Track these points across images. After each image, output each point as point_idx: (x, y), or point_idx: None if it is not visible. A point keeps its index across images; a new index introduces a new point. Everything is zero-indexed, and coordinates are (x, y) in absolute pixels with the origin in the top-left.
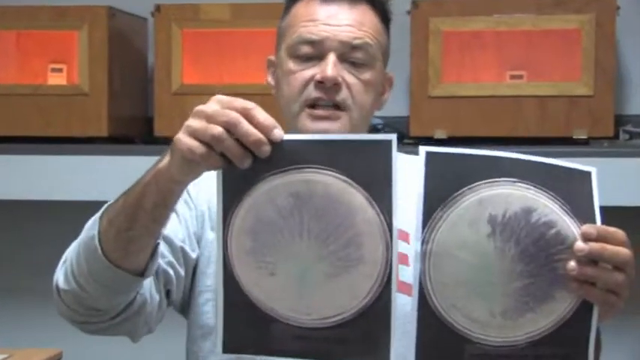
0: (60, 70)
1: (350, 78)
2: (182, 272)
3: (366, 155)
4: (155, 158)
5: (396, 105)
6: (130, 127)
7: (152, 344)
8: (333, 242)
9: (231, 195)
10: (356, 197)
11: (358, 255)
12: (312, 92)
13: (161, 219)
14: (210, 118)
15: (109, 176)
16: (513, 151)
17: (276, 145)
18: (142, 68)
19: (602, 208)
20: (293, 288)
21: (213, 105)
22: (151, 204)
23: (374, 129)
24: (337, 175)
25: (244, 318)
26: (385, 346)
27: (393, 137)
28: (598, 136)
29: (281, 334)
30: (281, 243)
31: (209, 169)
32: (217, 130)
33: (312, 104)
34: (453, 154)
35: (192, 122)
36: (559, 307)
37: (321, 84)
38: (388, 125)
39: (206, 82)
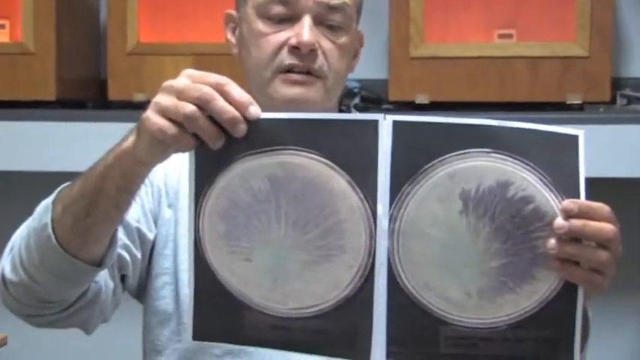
0: (2, 27)
1: (326, 43)
2: (138, 255)
3: (350, 136)
4: (108, 125)
5: (373, 67)
6: (81, 90)
7: (105, 332)
8: (312, 230)
9: (204, 176)
10: (338, 182)
11: (339, 244)
12: (286, 58)
13: (124, 205)
14: (180, 94)
15: (57, 144)
16: (502, 118)
17: (252, 124)
18: (94, 25)
19: (598, 180)
20: (269, 275)
21: (184, 79)
22: (114, 188)
23: (349, 93)
24: (318, 157)
25: (216, 305)
26: (366, 340)
27: (379, 117)
28: (593, 100)
29: (255, 323)
30: (257, 228)
31: (180, 150)
32: (189, 108)
33: (286, 70)
34: (422, 122)
35: (162, 99)
36: (541, 288)
37: (296, 50)
38: (365, 89)
39: (165, 40)
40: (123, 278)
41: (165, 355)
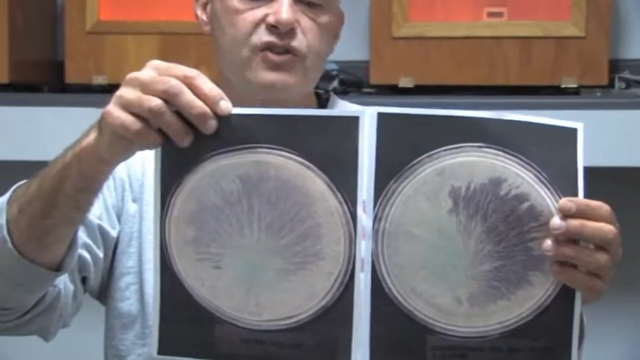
0: None
1: (306, 22)
2: (100, 254)
3: (329, 134)
4: (66, 110)
5: (354, 48)
6: (36, 73)
7: (63, 337)
8: (287, 234)
9: (171, 176)
10: (315, 183)
11: (316, 249)
12: (264, 36)
13: (85, 205)
14: (146, 87)
15: (10, 131)
16: (491, 103)
17: (223, 120)
18: (50, 2)
19: (595, 169)
20: (241, 284)
21: (149, 71)
22: (73, 188)
23: (327, 76)
24: (293, 156)
25: (184, 317)
26: (345, 354)
27: (360, 113)
28: (590, 84)
29: (226, 337)
30: (227, 232)
31: (145, 147)
32: (155, 102)
33: (263, 49)
34: (409, 114)
35: (125, 92)
36: (536, 294)
37: (274, 28)
38: (344, 71)
39: (127, 18)
40: (84, 280)
41: None
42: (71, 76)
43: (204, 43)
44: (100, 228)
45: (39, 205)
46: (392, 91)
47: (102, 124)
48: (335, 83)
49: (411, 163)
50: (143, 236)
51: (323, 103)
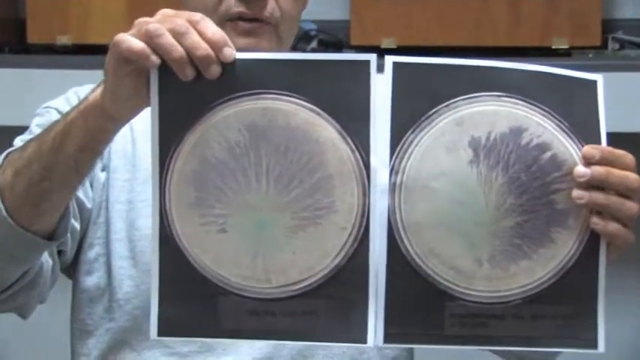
0: None
1: None
2: (77, 226)
3: (339, 79)
4: (27, 72)
5: (333, 6)
6: None
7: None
8: (297, 187)
9: (170, 133)
10: (326, 130)
11: (328, 202)
12: (233, 6)
13: (85, 168)
14: (151, 30)
15: None
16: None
17: (227, 67)
18: None
19: None
20: (248, 248)
21: (157, 16)
22: (75, 147)
23: (305, 36)
24: (302, 102)
25: (186, 292)
26: (362, 318)
27: (371, 57)
28: (582, 45)
29: (232, 310)
30: (233, 189)
31: (144, 66)
32: (154, 24)
33: (233, 19)
34: (425, 64)
35: (132, 31)
36: (559, 253)
37: None
38: (323, 31)
39: None
40: (60, 254)
41: (96, 337)
42: (33, 36)
43: (174, 3)
44: (76, 199)
45: (37, 167)
46: (373, 52)
47: (107, 58)
48: (314, 44)
49: (429, 113)
50: (110, 205)
51: None
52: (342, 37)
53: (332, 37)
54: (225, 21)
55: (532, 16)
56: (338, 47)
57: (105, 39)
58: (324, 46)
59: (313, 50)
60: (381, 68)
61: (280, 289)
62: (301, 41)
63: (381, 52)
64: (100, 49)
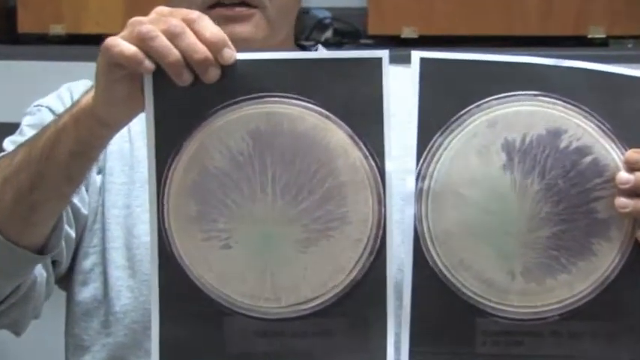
0: None
1: None
2: (72, 234)
3: (349, 79)
4: (18, 63)
5: None
6: None
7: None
8: (306, 197)
9: (167, 142)
10: (336, 135)
11: (341, 213)
12: None
13: (77, 176)
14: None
15: None
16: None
17: (227, 70)
18: None
19: None
20: (255, 264)
21: (151, 16)
22: (67, 153)
23: (319, 25)
24: (310, 105)
25: (189, 312)
26: (380, 337)
27: (383, 54)
28: (620, 34)
29: (239, 332)
30: (237, 202)
31: (136, 71)
32: (147, 26)
33: (213, 5)
34: (455, 60)
35: (123, 33)
36: (600, 265)
37: None
38: (339, 20)
39: None
40: (54, 265)
41: (92, 353)
42: (24, 25)
43: None
44: (71, 204)
45: (26, 175)
46: (393, 42)
47: (97, 61)
48: (328, 34)
49: (459, 114)
50: (106, 210)
51: None
52: (359, 26)
53: (348, 26)
54: (205, 9)
55: (566, 2)
56: (355, 37)
57: (101, 28)
58: (340, 36)
59: (327, 40)
60: (404, 59)
61: (291, 309)
62: (315, 30)
63: (402, 42)
64: (97, 40)
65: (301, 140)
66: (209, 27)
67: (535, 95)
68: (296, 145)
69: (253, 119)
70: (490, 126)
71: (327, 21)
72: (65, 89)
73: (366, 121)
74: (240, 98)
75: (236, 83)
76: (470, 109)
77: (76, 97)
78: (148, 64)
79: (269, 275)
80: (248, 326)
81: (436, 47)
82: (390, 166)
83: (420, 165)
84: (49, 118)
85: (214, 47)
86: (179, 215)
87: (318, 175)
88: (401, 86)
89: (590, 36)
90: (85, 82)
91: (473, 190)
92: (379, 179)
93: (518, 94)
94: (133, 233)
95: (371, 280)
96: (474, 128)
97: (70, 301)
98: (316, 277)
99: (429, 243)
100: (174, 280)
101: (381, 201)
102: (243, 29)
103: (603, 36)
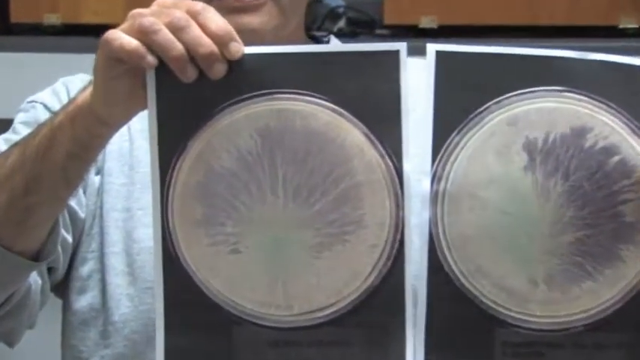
0: None
1: None
2: (69, 239)
3: (364, 73)
4: (11, 55)
5: None
6: None
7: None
8: (319, 199)
9: (171, 141)
10: (350, 133)
11: (356, 216)
12: None
13: (74, 179)
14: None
15: None
16: (532, 47)
17: (235, 64)
18: None
19: None
20: (265, 270)
21: (153, 7)
22: (63, 154)
23: (332, 14)
24: (322, 102)
25: (195, 320)
26: (399, 347)
27: (401, 47)
28: None
29: (249, 341)
30: (246, 204)
31: (138, 66)
32: (149, 19)
33: None
34: (474, 53)
35: (124, 26)
36: (628, 273)
37: None
38: (353, 8)
39: None
40: (50, 271)
41: None
42: (17, 15)
43: None
44: (68, 208)
45: (21, 178)
46: (410, 32)
47: (96, 56)
48: (341, 23)
49: (477, 111)
50: (105, 213)
51: None
52: (375, 15)
53: (363, 15)
54: (210, 1)
55: None
56: (369, 27)
57: (99, 18)
58: (354, 26)
59: (340, 31)
60: (422, 51)
61: (304, 317)
62: (327, 20)
63: (420, 33)
64: (94, 30)
65: (314, 138)
66: (215, 19)
67: (559, 91)
68: (308, 144)
69: (262, 117)
70: (510, 124)
71: (341, 10)
72: (61, 84)
73: (382, 118)
74: (249, 95)
75: (244, 79)
76: (489, 106)
77: (72, 92)
78: (151, 59)
79: (280, 282)
80: (258, 335)
81: (457, 38)
82: (407, 166)
83: (435, 166)
84: (43, 115)
85: (220, 41)
86: (184, 218)
87: (333, 176)
88: (420, 79)
89: (621, 26)
90: (82, 76)
91: (491, 192)
92: (396, 180)
93: (541, 90)
94: (134, 237)
95: (388, 286)
96: (493, 126)
97: (66, 310)
98: (330, 284)
99: (444, 248)
100: (179, 286)
101: (398, 203)
102: (253, 19)
103: (636, 26)
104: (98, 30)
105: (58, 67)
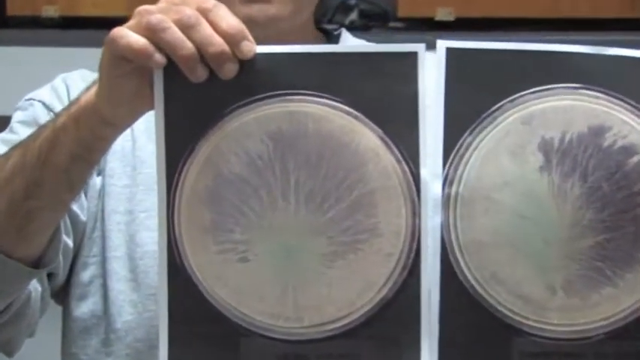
0: None
1: None
2: (70, 243)
3: (380, 75)
4: (8, 49)
5: None
6: None
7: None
8: (333, 206)
9: (178, 143)
10: (365, 137)
11: (371, 223)
12: None
13: (77, 182)
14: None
15: None
16: (553, 40)
17: (246, 64)
18: None
19: None
20: (275, 280)
21: (161, 4)
22: (66, 156)
23: (343, 5)
24: (337, 104)
25: (201, 331)
26: (413, 359)
27: (419, 48)
28: None
29: (257, 354)
30: (255, 211)
31: (145, 65)
32: (157, 16)
33: None
34: (487, 50)
35: (131, 24)
36: None
37: None
38: (365, 0)
39: None
40: (50, 277)
41: None
42: (14, 7)
43: None
44: (69, 211)
45: (21, 181)
46: (426, 25)
47: (102, 54)
48: (353, 16)
49: (490, 110)
50: (106, 216)
51: (332, 42)
52: (388, 7)
53: (376, 7)
54: None
55: None
56: (383, 19)
57: (99, 11)
58: (367, 19)
59: (352, 23)
60: (435, 46)
61: (315, 329)
62: (338, 12)
63: (436, 26)
64: (94, 23)
65: (327, 142)
66: (226, 17)
67: (575, 88)
68: (321, 148)
69: (274, 119)
70: (525, 123)
71: (353, 1)
72: (60, 80)
73: (398, 122)
74: (260, 96)
75: (255, 79)
76: (502, 105)
77: (72, 89)
78: (159, 58)
79: (291, 292)
80: (267, 348)
81: (474, 31)
82: (425, 172)
83: (447, 168)
84: (42, 113)
85: (232, 39)
86: (191, 224)
87: (347, 182)
88: (430, 81)
89: None
90: (81, 72)
91: (506, 195)
92: (413, 187)
93: (557, 88)
94: (136, 241)
95: (403, 298)
96: (507, 126)
97: (66, 317)
98: (343, 295)
99: (457, 254)
100: (184, 296)
101: (415, 211)
102: (268, 8)
103: None
104: (97, 23)
105: (56, 62)
